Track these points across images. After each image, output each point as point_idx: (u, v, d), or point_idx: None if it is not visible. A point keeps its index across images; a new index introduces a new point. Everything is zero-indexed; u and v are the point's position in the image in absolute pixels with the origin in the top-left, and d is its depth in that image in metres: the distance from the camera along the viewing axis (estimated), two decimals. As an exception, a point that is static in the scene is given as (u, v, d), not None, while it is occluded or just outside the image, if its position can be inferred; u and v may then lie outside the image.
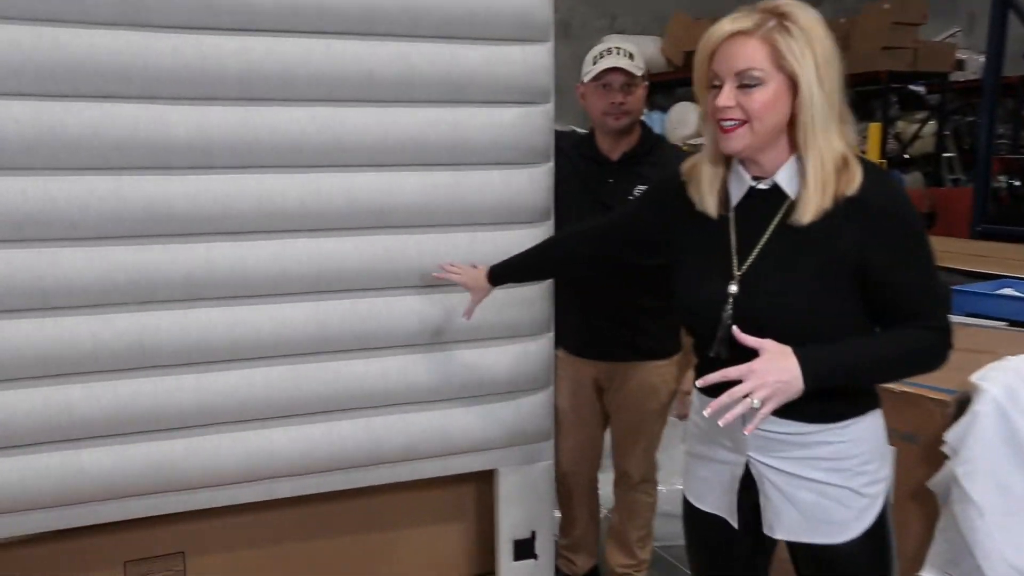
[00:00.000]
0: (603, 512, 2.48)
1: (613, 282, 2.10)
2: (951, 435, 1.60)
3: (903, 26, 5.13)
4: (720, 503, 1.39)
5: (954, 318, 2.24)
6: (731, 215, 1.32)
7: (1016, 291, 2.42)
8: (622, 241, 1.59)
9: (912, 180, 5.56)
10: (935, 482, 1.64)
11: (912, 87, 5.74)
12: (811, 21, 1.21)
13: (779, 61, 1.20)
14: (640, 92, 2.08)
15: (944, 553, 1.62)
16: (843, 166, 1.22)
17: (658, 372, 2.18)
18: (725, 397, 1.18)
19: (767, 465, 1.31)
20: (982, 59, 5.21)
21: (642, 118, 2.19)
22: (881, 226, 1.21)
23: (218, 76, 1.64)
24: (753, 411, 1.17)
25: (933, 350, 1.24)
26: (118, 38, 1.58)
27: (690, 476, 1.45)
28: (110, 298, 1.64)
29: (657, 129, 5.19)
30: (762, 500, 1.33)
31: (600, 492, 2.39)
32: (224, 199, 1.68)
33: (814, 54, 1.19)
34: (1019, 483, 1.56)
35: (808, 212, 1.21)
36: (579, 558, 2.38)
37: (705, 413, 1.22)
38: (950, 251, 3.04)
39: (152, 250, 1.65)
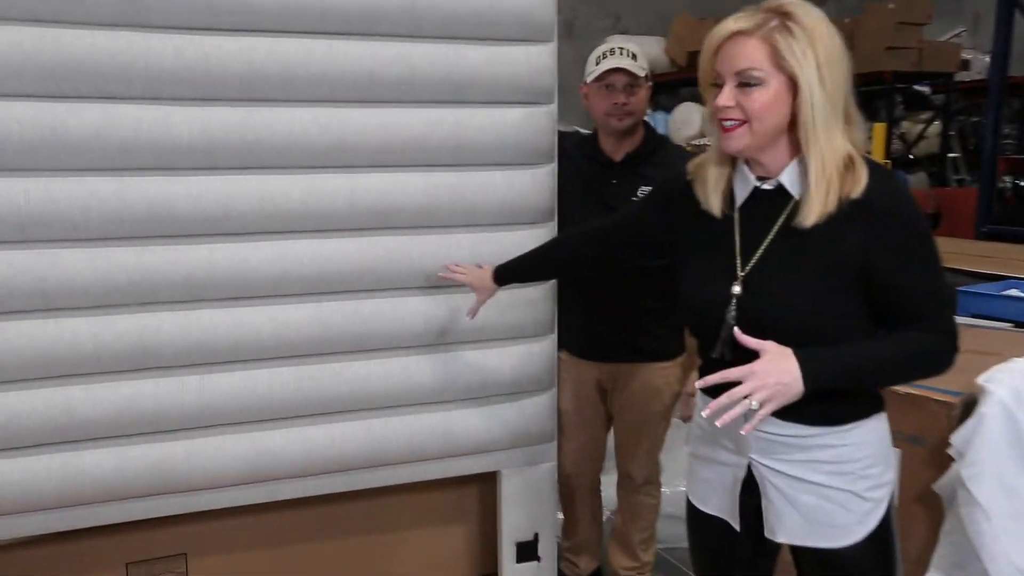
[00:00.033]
0: (606, 514, 2.47)
1: (616, 284, 2.10)
2: (957, 437, 1.59)
3: (907, 26, 5.11)
4: (722, 505, 1.39)
5: (959, 319, 2.23)
6: (736, 215, 1.32)
7: (1021, 292, 2.41)
8: (627, 241, 1.59)
9: (917, 180, 5.55)
10: (941, 485, 1.63)
11: (917, 87, 5.73)
12: (814, 21, 1.20)
13: (779, 61, 1.19)
14: (643, 93, 2.07)
15: (949, 556, 1.61)
16: (848, 167, 1.21)
17: (661, 374, 2.17)
18: (724, 398, 1.17)
19: (769, 467, 1.31)
20: (987, 59, 5.20)
21: (646, 119, 2.18)
22: (885, 228, 1.20)
23: (220, 77, 1.64)
24: (752, 412, 1.16)
25: (938, 354, 1.23)
26: (120, 39, 1.58)
27: (693, 478, 1.45)
28: (111, 299, 1.64)
29: (661, 130, 5.20)
30: (764, 503, 1.33)
31: (603, 494, 2.38)
32: (226, 200, 1.67)
33: (816, 54, 1.18)
34: (1026, 486, 1.55)
35: (811, 215, 1.21)
36: (582, 560, 2.37)
37: (704, 414, 1.22)
38: (955, 252, 3.03)
39: (154, 251, 1.65)
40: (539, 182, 1.92)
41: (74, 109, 1.57)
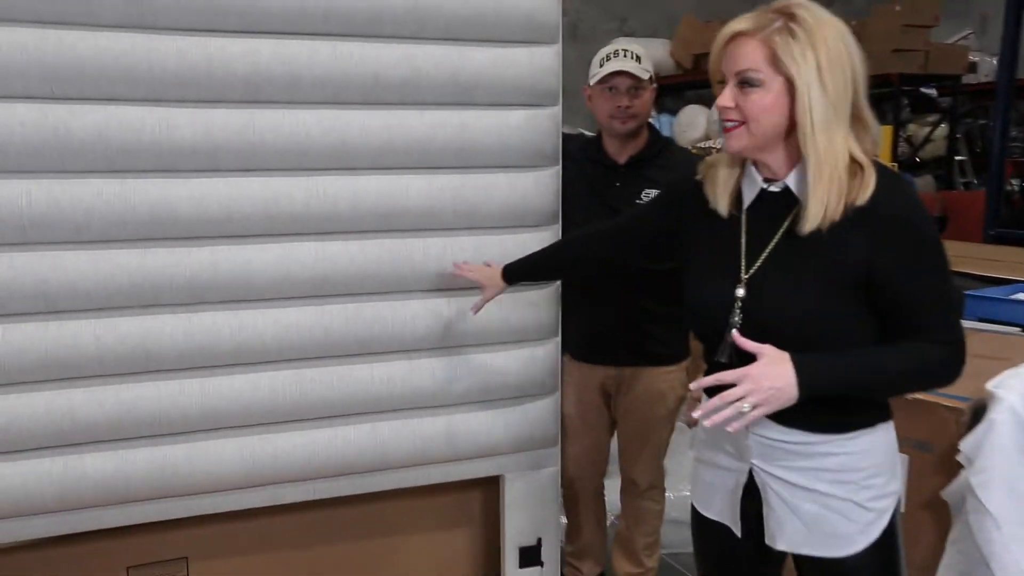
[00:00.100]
0: (610, 519, 2.46)
1: (620, 287, 2.09)
2: (966, 444, 1.57)
3: (914, 28, 5.09)
4: (724, 510, 1.38)
5: (967, 323, 2.22)
6: (743, 216, 1.31)
7: (1030, 296, 2.39)
8: (635, 241, 1.59)
9: (923, 183, 5.52)
10: (949, 492, 1.62)
11: (923, 90, 5.70)
12: (819, 22, 1.19)
13: (777, 63, 1.18)
14: (647, 95, 2.06)
15: (957, 565, 1.59)
16: (855, 173, 1.19)
17: (665, 378, 2.16)
18: (717, 399, 1.17)
19: (770, 474, 1.30)
20: (995, 61, 5.18)
21: (651, 121, 2.17)
22: (890, 234, 1.18)
23: (223, 78, 1.64)
24: (742, 414, 1.15)
25: (942, 365, 1.21)
26: (123, 40, 1.57)
27: (696, 482, 1.45)
28: (114, 301, 1.63)
29: (666, 132, 5.18)
30: (765, 509, 1.32)
31: (607, 499, 2.37)
32: (229, 202, 1.67)
33: (816, 57, 1.17)
34: (1036, 493, 1.53)
35: (808, 220, 1.19)
36: (585, 565, 2.36)
37: (695, 414, 1.21)
38: (963, 255, 3.01)
39: (156, 253, 1.65)
40: (543, 185, 1.91)
41: (77, 111, 1.57)
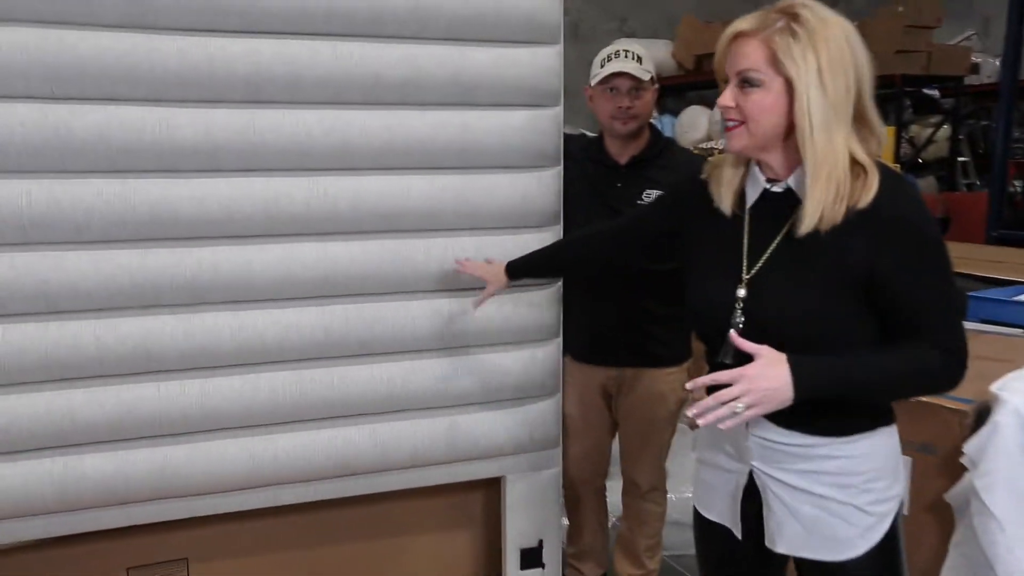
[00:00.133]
0: (612, 520, 2.45)
1: (622, 288, 2.08)
2: (970, 446, 1.56)
3: (917, 29, 5.08)
4: (724, 512, 1.38)
5: (970, 325, 2.21)
6: (746, 217, 1.30)
7: (1034, 298, 2.38)
8: (639, 239, 1.59)
9: (926, 185, 5.51)
10: (953, 495, 1.61)
11: (926, 91, 5.69)
12: (822, 23, 1.18)
13: (777, 64, 1.18)
14: (648, 96, 2.06)
15: (960, 568, 1.59)
16: (858, 175, 1.19)
17: (667, 379, 2.15)
18: (711, 399, 1.16)
19: (770, 476, 1.29)
20: (997, 63, 5.17)
21: (652, 121, 2.17)
22: (892, 236, 1.17)
23: (225, 78, 1.63)
24: (736, 414, 1.15)
25: (942, 370, 1.20)
26: (124, 40, 1.57)
27: (698, 483, 1.44)
28: (114, 302, 1.63)
29: (668, 133, 5.17)
30: (765, 511, 1.31)
31: (609, 500, 2.37)
32: (230, 202, 1.66)
33: (817, 57, 1.16)
34: (1040, 496, 1.53)
35: (805, 222, 1.19)
36: (587, 567, 2.35)
37: (689, 412, 1.20)
38: (965, 257, 3.00)
39: (157, 254, 1.64)
40: (545, 185, 1.90)
41: (78, 111, 1.56)
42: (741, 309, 1.25)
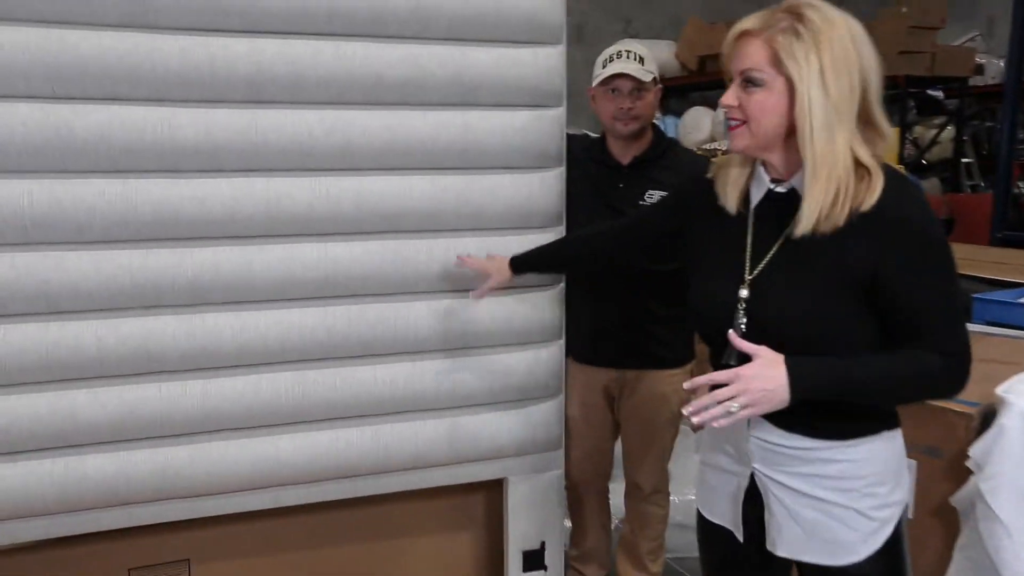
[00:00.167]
0: (615, 522, 2.44)
1: (624, 289, 2.08)
2: (976, 449, 1.55)
3: (921, 30, 5.07)
4: (726, 514, 1.37)
5: (975, 327, 2.20)
6: (750, 216, 1.30)
7: (1039, 300, 2.37)
8: (643, 239, 1.60)
9: (930, 186, 5.50)
10: (958, 498, 1.60)
11: (930, 92, 5.68)
12: (828, 23, 1.17)
13: (779, 64, 1.17)
14: (650, 97, 2.05)
15: (965, 572, 1.58)
16: (862, 177, 1.18)
17: (669, 381, 2.14)
18: (707, 398, 1.16)
19: (771, 479, 1.28)
20: (1002, 63, 5.16)
21: (655, 122, 2.16)
22: (895, 238, 1.16)
23: (226, 78, 1.63)
24: (730, 413, 1.15)
25: (943, 375, 1.18)
26: (126, 40, 1.57)
27: (701, 484, 1.44)
28: (115, 302, 1.62)
29: (671, 134, 5.16)
30: (766, 514, 1.30)
31: (612, 502, 2.36)
32: (231, 203, 1.66)
33: (820, 58, 1.15)
34: (1046, 500, 1.51)
35: (801, 223, 1.18)
36: (589, 569, 2.34)
37: (685, 410, 1.20)
38: (970, 258, 2.99)
39: (158, 254, 1.64)
40: (547, 186, 1.89)
41: (79, 110, 1.56)
42: (743, 310, 1.25)
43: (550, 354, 1.97)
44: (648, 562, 2.28)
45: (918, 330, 1.17)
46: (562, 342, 2.01)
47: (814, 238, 1.19)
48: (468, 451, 1.91)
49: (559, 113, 1.89)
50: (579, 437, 2.21)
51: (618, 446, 2.29)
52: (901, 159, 4.99)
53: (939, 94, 5.78)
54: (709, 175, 1.39)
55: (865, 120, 1.20)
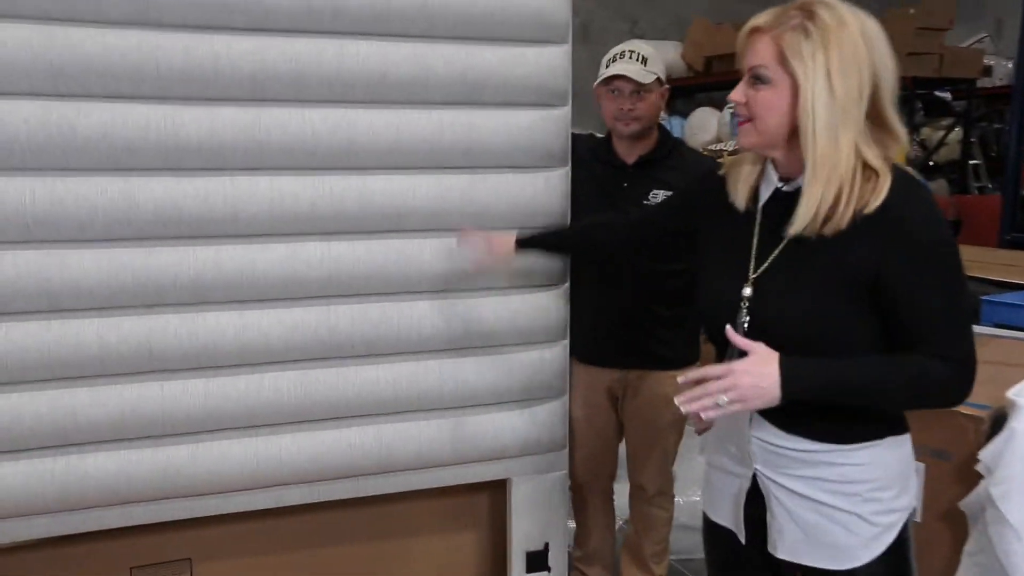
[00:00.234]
0: (619, 523, 2.43)
1: (628, 289, 2.07)
2: (986, 453, 1.53)
3: (929, 31, 5.04)
4: (729, 515, 1.36)
5: (984, 330, 2.18)
6: (758, 215, 1.29)
7: (1049, 302, 2.35)
8: (652, 234, 1.60)
9: (937, 188, 5.47)
10: (967, 502, 1.58)
11: (938, 93, 5.65)
12: (839, 22, 1.16)
13: (784, 62, 1.16)
14: (652, 98, 2.04)
15: (975, 576, 1.56)
16: (869, 178, 1.16)
17: (672, 382, 2.12)
18: (698, 390, 1.16)
19: (773, 480, 1.27)
20: (1010, 65, 5.13)
21: (661, 122, 2.15)
22: (896, 240, 1.14)
23: (230, 76, 1.62)
24: (719, 406, 1.15)
25: (945, 382, 1.16)
26: (129, 38, 1.56)
27: (706, 485, 1.44)
28: (117, 301, 1.62)
29: (677, 134, 5.15)
30: (768, 516, 1.29)
31: (617, 502, 2.35)
32: (234, 201, 1.65)
33: (827, 58, 1.14)
34: (1057, 504, 1.49)
35: (796, 223, 1.17)
36: (593, 570, 2.33)
37: (677, 400, 1.19)
38: (978, 260, 2.98)
39: (161, 252, 1.63)
40: (552, 185, 1.88)
41: (82, 108, 1.56)
42: (746, 308, 1.24)
43: (554, 354, 1.96)
44: (652, 564, 2.26)
45: (920, 334, 1.16)
46: (566, 342, 1.99)
47: (818, 238, 1.18)
48: (471, 451, 1.90)
49: (564, 113, 1.88)
50: (583, 438, 2.20)
51: (622, 447, 2.28)
52: (908, 160, 4.96)
53: (947, 95, 5.76)
54: (721, 172, 1.38)
55: (877, 121, 1.19)
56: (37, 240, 1.57)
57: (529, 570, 2.03)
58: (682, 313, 2.10)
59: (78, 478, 1.64)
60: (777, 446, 1.25)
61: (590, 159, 2.11)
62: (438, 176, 1.79)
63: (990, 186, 5.71)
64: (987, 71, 5.57)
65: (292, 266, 1.71)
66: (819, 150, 1.15)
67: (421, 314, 1.81)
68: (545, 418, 1.96)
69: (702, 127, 5.44)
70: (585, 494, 2.28)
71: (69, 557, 1.76)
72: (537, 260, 1.88)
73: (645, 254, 1.78)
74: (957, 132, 5.71)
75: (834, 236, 1.16)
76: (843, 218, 1.15)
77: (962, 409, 1.62)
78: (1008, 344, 2.06)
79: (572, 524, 2.33)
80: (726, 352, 1.25)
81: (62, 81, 1.54)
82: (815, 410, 1.18)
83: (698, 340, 2.18)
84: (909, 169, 1.23)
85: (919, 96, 5.41)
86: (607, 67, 2.05)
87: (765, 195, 1.30)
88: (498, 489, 2.03)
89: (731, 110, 5.00)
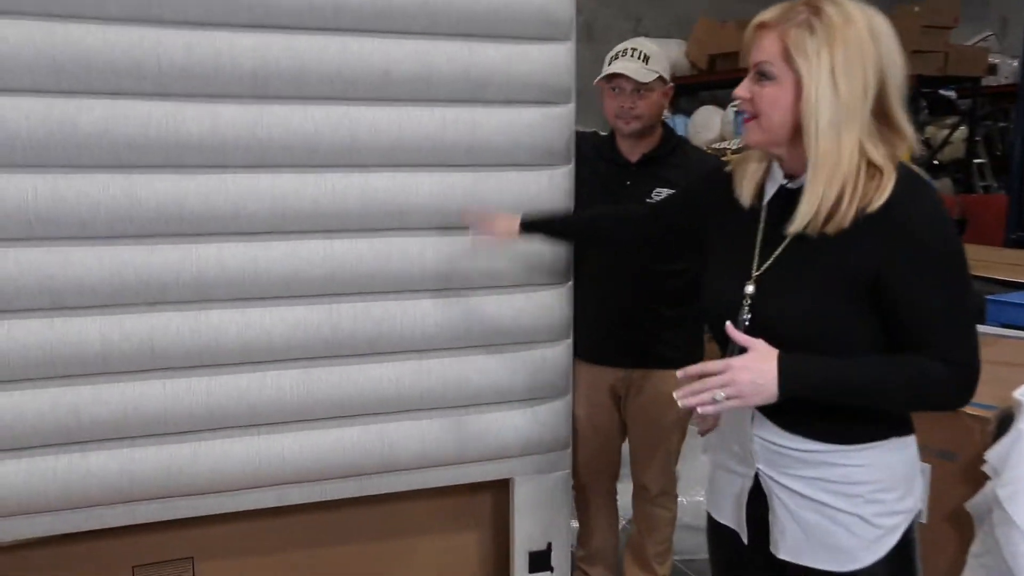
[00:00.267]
0: (622, 523, 2.42)
1: (630, 288, 2.06)
2: (993, 454, 1.52)
3: (934, 29, 5.02)
4: (731, 515, 1.36)
5: (990, 330, 2.17)
6: (762, 212, 1.28)
7: (1055, 301, 2.33)
8: (656, 228, 1.59)
9: (942, 186, 5.46)
10: (974, 503, 1.57)
11: (943, 92, 5.62)
12: (846, 19, 1.14)
13: (789, 58, 1.15)
14: (654, 97, 2.03)
15: (981, 577, 1.55)
16: (873, 176, 1.15)
17: (674, 381, 2.12)
18: (696, 384, 1.16)
19: (775, 480, 1.27)
20: (1015, 63, 5.10)
21: (665, 120, 2.14)
22: (897, 240, 1.13)
23: (232, 73, 1.62)
24: (715, 402, 1.15)
25: (945, 385, 1.14)
26: (131, 34, 1.56)
27: (710, 484, 1.43)
28: (120, 298, 1.62)
29: (680, 133, 5.13)
30: (770, 516, 1.29)
31: (620, 502, 2.34)
32: (236, 198, 1.65)
33: (831, 55, 1.13)
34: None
35: (796, 221, 1.16)
36: (596, 570, 2.32)
37: (675, 394, 1.19)
38: (983, 260, 2.96)
39: (163, 250, 1.63)
40: (555, 184, 1.87)
41: (84, 105, 1.55)
42: (748, 306, 1.24)
43: (557, 353, 1.95)
44: (656, 565, 2.25)
45: (921, 336, 1.14)
46: (570, 341, 1.99)
47: (820, 237, 1.17)
48: (474, 450, 1.90)
49: (568, 110, 1.87)
50: (585, 437, 2.19)
51: (626, 447, 2.27)
52: (912, 159, 4.93)
53: (952, 94, 5.73)
54: (728, 168, 1.37)
55: (884, 119, 1.18)
56: (39, 237, 1.56)
57: (532, 570, 2.03)
58: (685, 312, 2.09)
59: (80, 476, 1.63)
60: (779, 445, 1.25)
61: (594, 157, 2.10)
62: (441, 174, 1.78)
63: (995, 185, 5.69)
64: (992, 69, 5.54)
65: (294, 264, 1.70)
66: (821, 148, 1.14)
67: (424, 312, 1.81)
68: (548, 417, 1.95)
69: (706, 125, 5.42)
70: (588, 494, 2.27)
71: (71, 556, 1.76)
72: (540, 258, 1.87)
73: (649, 249, 1.78)
74: (962, 131, 5.68)
75: (836, 235, 1.16)
76: (845, 217, 1.14)
77: (968, 409, 1.60)
78: (1014, 344, 2.05)
79: (575, 524, 2.32)
80: (727, 349, 1.24)
81: (63, 77, 1.53)
82: (816, 410, 1.18)
83: (702, 339, 2.17)
84: (916, 168, 1.21)
85: (924, 94, 5.39)
86: (609, 64, 2.04)
87: (770, 192, 1.29)
88: (501, 489, 2.02)
89: (735, 108, 5.01)
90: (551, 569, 2.04)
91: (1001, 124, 5.84)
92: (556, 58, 1.82)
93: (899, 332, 1.16)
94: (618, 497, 2.33)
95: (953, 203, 5.00)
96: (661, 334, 2.10)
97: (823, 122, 1.14)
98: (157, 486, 1.69)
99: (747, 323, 1.22)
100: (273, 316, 1.71)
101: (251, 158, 1.65)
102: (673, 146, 2.10)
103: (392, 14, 1.69)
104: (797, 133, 1.18)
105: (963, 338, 1.15)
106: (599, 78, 2.05)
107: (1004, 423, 1.55)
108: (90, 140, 1.55)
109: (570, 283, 1.95)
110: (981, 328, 1.91)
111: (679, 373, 1.22)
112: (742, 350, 1.19)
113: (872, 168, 1.16)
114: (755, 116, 1.21)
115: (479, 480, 1.95)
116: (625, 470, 2.29)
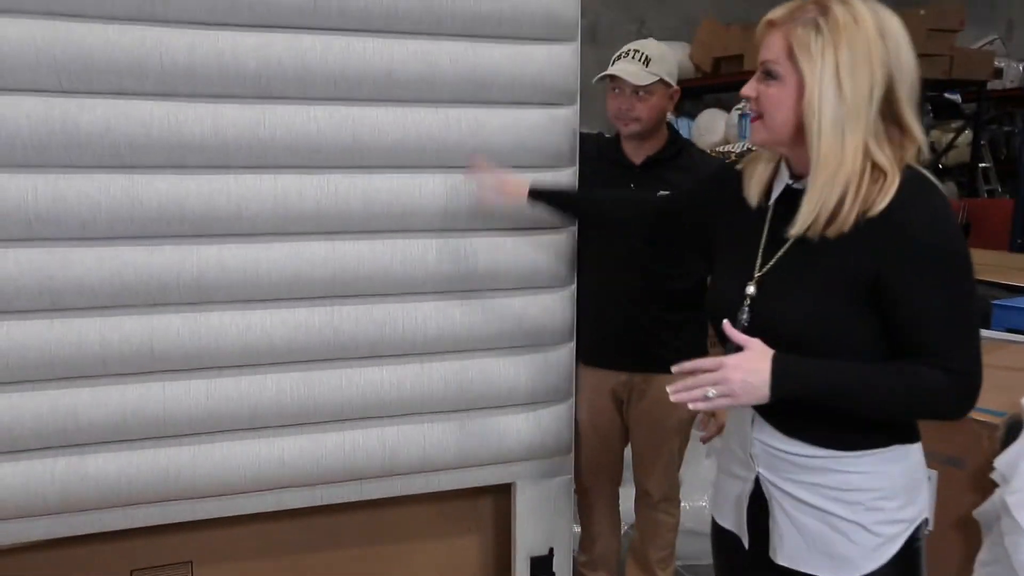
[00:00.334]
0: (624, 528, 2.41)
1: (633, 291, 2.05)
2: (1001, 461, 1.50)
3: (939, 33, 5.01)
4: (732, 519, 1.35)
5: (996, 335, 2.15)
6: (768, 213, 1.28)
7: (1062, 307, 2.32)
8: (663, 218, 1.58)
9: (947, 191, 5.44)
10: (982, 511, 1.55)
11: (948, 95, 5.62)
12: (854, 19, 1.13)
13: (793, 58, 1.15)
14: (654, 100, 2.02)
15: (988, 586, 1.53)
16: (877, 179, 1.14)
17: (676, 385, 2.11)
18: (690, 381, 1.16)
19: (775, 485, 1.26)
20: (1020, 67, 5.09)
21: (669, 122, 2.13)
22: (897, 244, 1.12)
23: (234, 73, 1.60)
24: (707, 399, 1.15)
25: (944, 393, 1.13)
26: (133, 33, 1.55)
27: (715, 490, 1.43)
28: (120, 299, 1.60)
29: (684, 135, 5.12)
30: (771, 521, 1.28)
31: (622, 507, 2.32)
32: (238, 199, 1.64)
33: (836, 55, 1.12)
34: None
35: (797, 224, 1.16)
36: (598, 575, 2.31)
37: (668, 389, 1.18)
38: (988, 264, 2.94)
39: (163, 251, 1.62)
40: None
41: (85, 104, 1.54)
42: (748, 307, 1.23)
43: (560, 357, 1.93)
44: (658, 570, 2.24)
45: (920, 340, 1.13)
46: (572, 345, 1.97)
47: (822, 240, 1.16)
48: (476, 455, 1.88)
49: (572, 112, 1.86)
50: (588, 441, 2.18)
51: (628, 451, 2.25)
52: (917, 162, 4.93)
53: (957, 98, 5.72)
54: (739, 167, 1.37)
55: (894, 121, 1.16)
56: (39, 238, 1.55)
57: (533, 575, 2.01)
58: (688, 316, 2.08)
59: (79, 479, 1.62)
60: (778, 450, 1.24)
61: (598, 158, 2.09)
62: (444, 175, 1.77)
63: (1000, 189, 5.68)
64: (997, 73, 5.54)
65: (296, 265, 1.69)
66: (823, 149, 1.13)
67: (426, 315, 1.80)
68: (550, 422, 1.94)
69: (710, 128, 5.41)
70: (590, 499, 2.26)
71: (69, 559, 1.74)
72: (543, 261, 1.86)
73: (653, 242, 1.77)
74: (967, 135, 5.68)
75: (836, 238, 1.15)
76: (846, 220, 1.13)
77: (976, 416, 1.59)
78: (1020, 349, 2.03)
79: (577, 529, 2.31)
80: (726, 348, 1.24)
81: (65, 77, 1.52)
82: (816, 415, 1.17)
83: (705, 343, 2.16)
84: (924, 171, 1.20)
85: (929, 98, 5.38)
86: (611, 64, 2.04)
87: (777, 192, 1.28)
88: (502, 493, 2.01)
89: (739, 111, 4.99)
90: (553, 574, 2.03)
91: (1006, 128, 5.84)
92: (561, 59, 1.81)
93: (898, 335, 1.15)
94: (620, 502, 2.32)
95: (958, 207, 4.99)
96: (664, 338, 2.09)
97: (826, 122, 1.13)
98: (156, 489, 1.68)
99: (746, 323, 1.22)
100: (274, 318, 1.70)
101: (253, 158, 1.64)
102: (678, 149, 2.09)
103: (396, 14, 1.68)
104: (801, 133, 1.17)
105: (963, 344, 1.13)
106: (597, 77, 2.05)
107: (1012, 430, 1.53)
108: (91, 140, 1.54)
109: (573, 286, 1.94)
110: (986, 333, 1.89)
111: (674, 369, 1.22)
112: (740, 349, 1.18)
113: (877, 171, 1.14)
114: (760, 115, 1.20)
115: (481, 484, 1.94)
116: (627, 475, 2.28)
